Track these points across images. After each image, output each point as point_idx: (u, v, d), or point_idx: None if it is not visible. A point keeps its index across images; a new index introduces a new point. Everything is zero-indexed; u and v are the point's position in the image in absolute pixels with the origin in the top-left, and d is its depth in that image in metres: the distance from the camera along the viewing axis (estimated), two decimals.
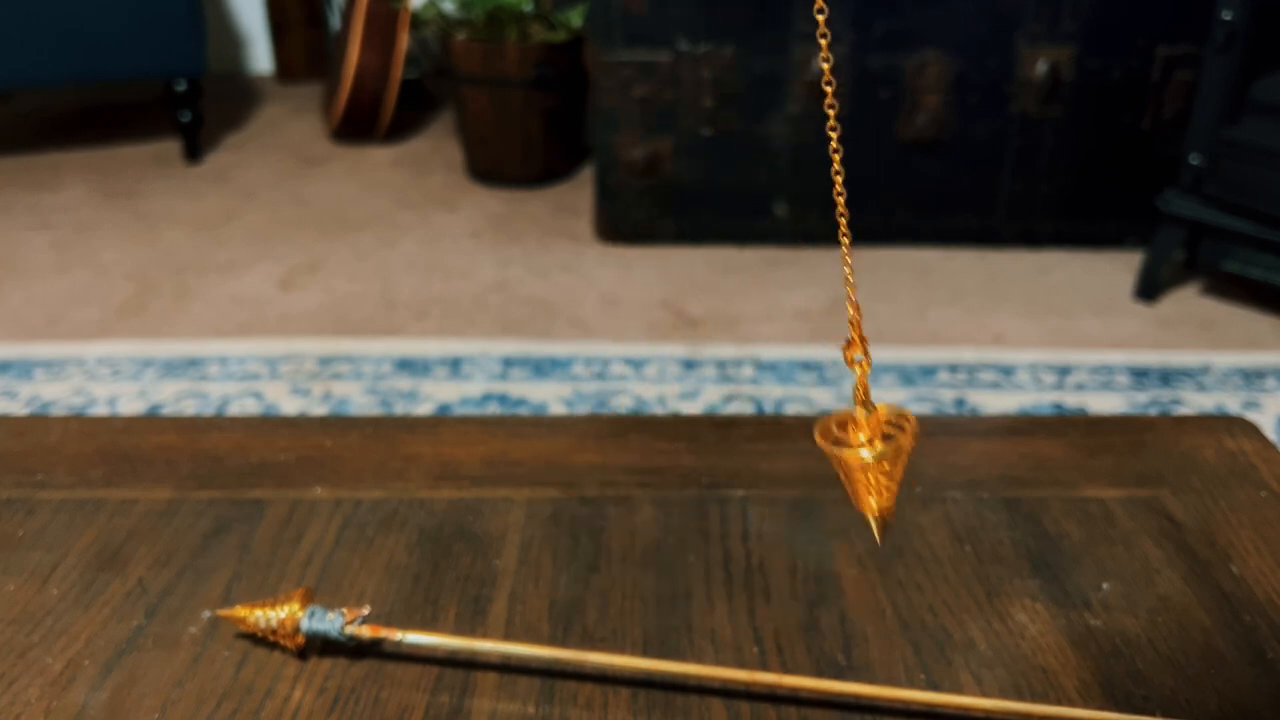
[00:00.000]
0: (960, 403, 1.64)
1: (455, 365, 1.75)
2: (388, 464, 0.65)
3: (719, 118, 2.12)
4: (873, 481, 0.38)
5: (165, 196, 2.49)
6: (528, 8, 2.38)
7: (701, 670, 0.49)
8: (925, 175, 2.16)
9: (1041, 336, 1.87)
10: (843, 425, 0.39)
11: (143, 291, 2.04)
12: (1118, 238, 2.20)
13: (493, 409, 1.63)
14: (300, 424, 0.71)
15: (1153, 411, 1.62)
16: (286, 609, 0.50)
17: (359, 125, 2.73)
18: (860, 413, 0.38)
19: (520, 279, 2.08)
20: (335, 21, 3.05)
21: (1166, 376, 1.72)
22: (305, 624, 0.50)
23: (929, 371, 1.73)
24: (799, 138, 2.13)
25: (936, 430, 0.70)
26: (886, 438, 0.38)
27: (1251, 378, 1.71)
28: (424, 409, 1.63)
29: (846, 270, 0.37)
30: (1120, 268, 2.12)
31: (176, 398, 1.66)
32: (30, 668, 0.51)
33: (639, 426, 0.70)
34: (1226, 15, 1.77)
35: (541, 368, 1.74)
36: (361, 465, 0.65)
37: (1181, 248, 1.98)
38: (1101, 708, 0.48)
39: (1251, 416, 1.50)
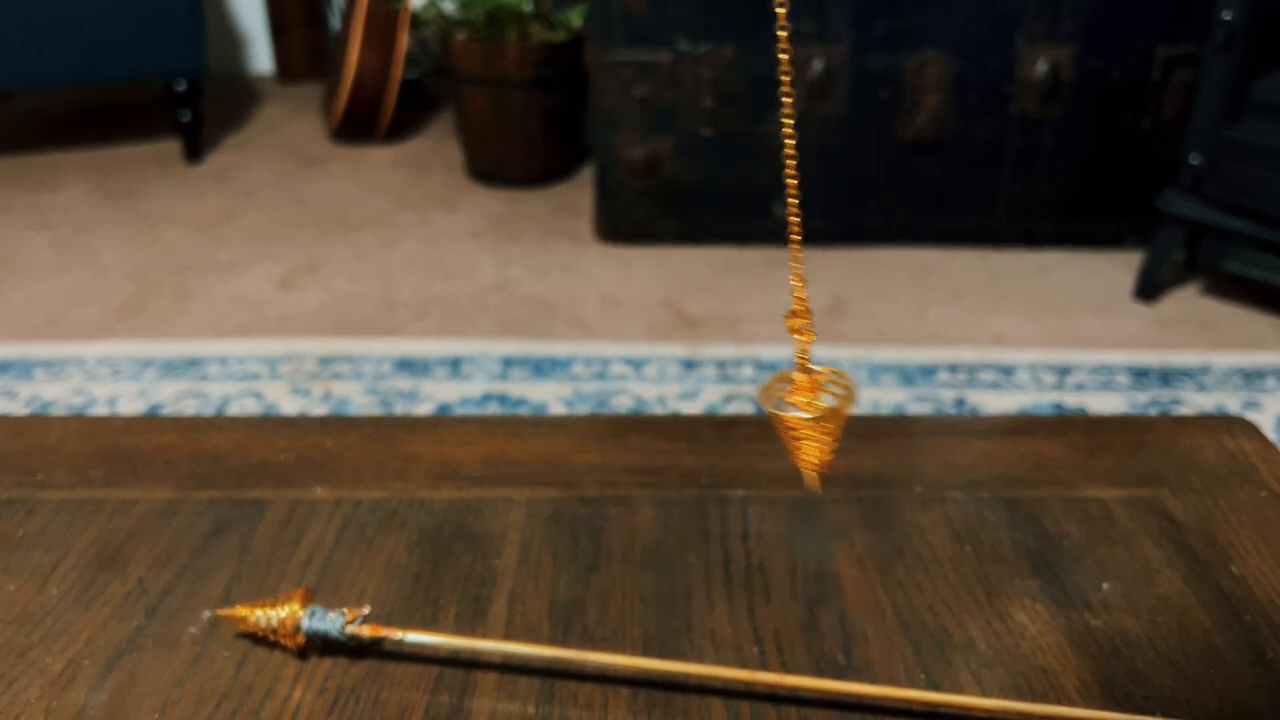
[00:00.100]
0: (960, 403, 1.65)
1: (455, 365, 1.75)
2: (388, 464, 0.65)
3: (719, 118, 2.12)
4: (811, 438, 0.41)
5: (165, 196, 2.49)
6: (528, 8, 2.38)
7: (701, 670, 0.49)
8: (925, 175, 2.16)
9: (1041, 336, 1.87)
10: (785, 388, 0.42)
11: (143, 291, 2.04)
12: (1118, 238, 2.20)
13: (493, 409, 1.63)
14: (300, 424, 0.71)
15: (1153, 411, 1.62)
16: (287, 608, 0.50)
17: (359, 125, 2.73)
18: (800, 376, 0.41)
19: (520, 279, 2.08)
20: (335, 21, 3.05)
21: (1166, 376, 1.72)
22: (306, 623, 0.50)
23: (929, 371, 1.73)
24: (799, 138, 2.13)
25: (936, 430, 0.70)
26: (826, 400, 0.41)
27: (1251, 378, 1.71)
28: (424, 409, 1.63)
29: (794, 243, 0.40)
30: (1120, 268, 2.12)
31: (176, 398, 1.66)
32: (30, 668, 0.51)
33: (639, 426, 0.70)
34: (1226, 15, 1.77)
35: (541, 368, 1.74)
36: (361, 465, 0.65)
37: (1181, 248, 1.98)
38: (1101, 708, 0.48)
39: (1251, 416, 1.50)
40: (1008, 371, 1.73)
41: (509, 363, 1.75)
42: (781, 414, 0.41)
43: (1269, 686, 0.49)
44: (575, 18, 2.40)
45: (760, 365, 1.75)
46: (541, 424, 0.70)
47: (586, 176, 2.56)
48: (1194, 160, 1.87)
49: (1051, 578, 0.56)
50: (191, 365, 1.75)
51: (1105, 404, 1.65)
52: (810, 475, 0.42)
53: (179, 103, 2.59)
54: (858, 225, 2.21)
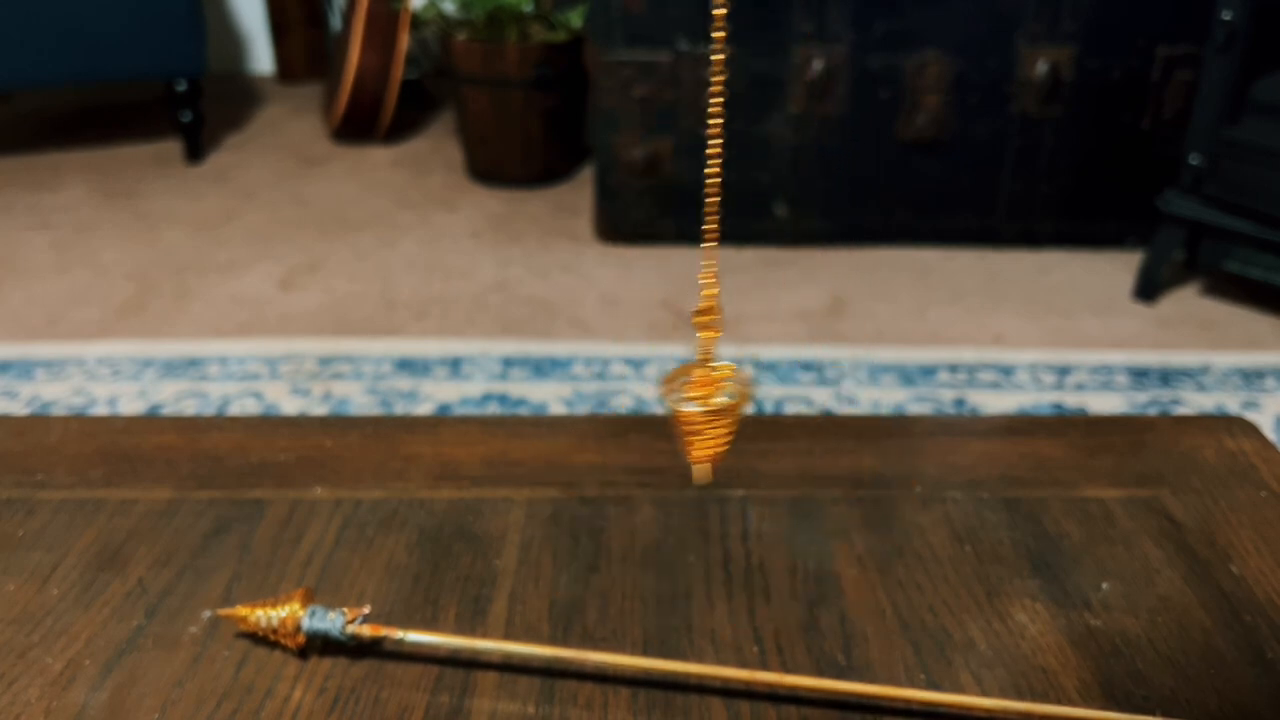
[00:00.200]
0: (960, 403, 1.65)
1: (455, 365, 1.75)
2: (388, 464, 0.65)
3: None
4: (702, 432, 0.42)
5: (165, 196, 2.49)
6: (528, 8, 2.39)
7: (701, 670, 0.49)
8: (925, 175, 2.16)
9: (1041, 336, 1.87)
10: (685, 381, 0.43)
11: (143, 291, 2.04)
12: (1118, 238, 2.20)
13: (493, 409, 1.63)
14: (300, 424, 0.71)
15: (1153, 411, 1.62)
16: (287, 608, 0.50)
17: (359, 125, 2.73)
18: (699, 371, 0.42)
19: (520, 279, 2.08)
20: (335, 21, 3.05)
21: (1166, 376, 1.72)
22: (306, 623, 0.50)
23: (929, 371, 1.73)
24: (799, 138, 2.13)
25: (936, 430, 0.70)
26: (724, 395, 0.42)
27: (1251, 378, 1.71)
28: (424, 409, 1.63)
29: (709, 243, 0.40)
30: (1120, 268, 2.12)
31: (176, 398, 1.66)
32: (30, 668, 0.51)
33: (639, 426, 0.70)
34: (1226, 15, 1.77)
35: (541, 368, 1.74)
36: (361, 465, 0.65)
37: (1181, 248, 1.98)
38: (1102, 708, 0.48)
39: (1251, 416, 1.50)
40: (1008, 371, 1.73)
41: (509, 363, 1.75)
42: (675, 405, 0.42)
43: (1269, 686, 0.49)
44: (575, 18, 2.40)
45: (760, 365, 1.75)
46: (541, 424, 0.70)
47: (586, 176, 2.56)
48: (1194, 160, 1.87)
49: (1051, 578, 0.56)
50: (191, 365, 1.75)
51: (1105, 404, 1.65)
52: (700, 468, 0.43)
53: (179, 103, 2.59)
54: (858, 225, 2.21)
